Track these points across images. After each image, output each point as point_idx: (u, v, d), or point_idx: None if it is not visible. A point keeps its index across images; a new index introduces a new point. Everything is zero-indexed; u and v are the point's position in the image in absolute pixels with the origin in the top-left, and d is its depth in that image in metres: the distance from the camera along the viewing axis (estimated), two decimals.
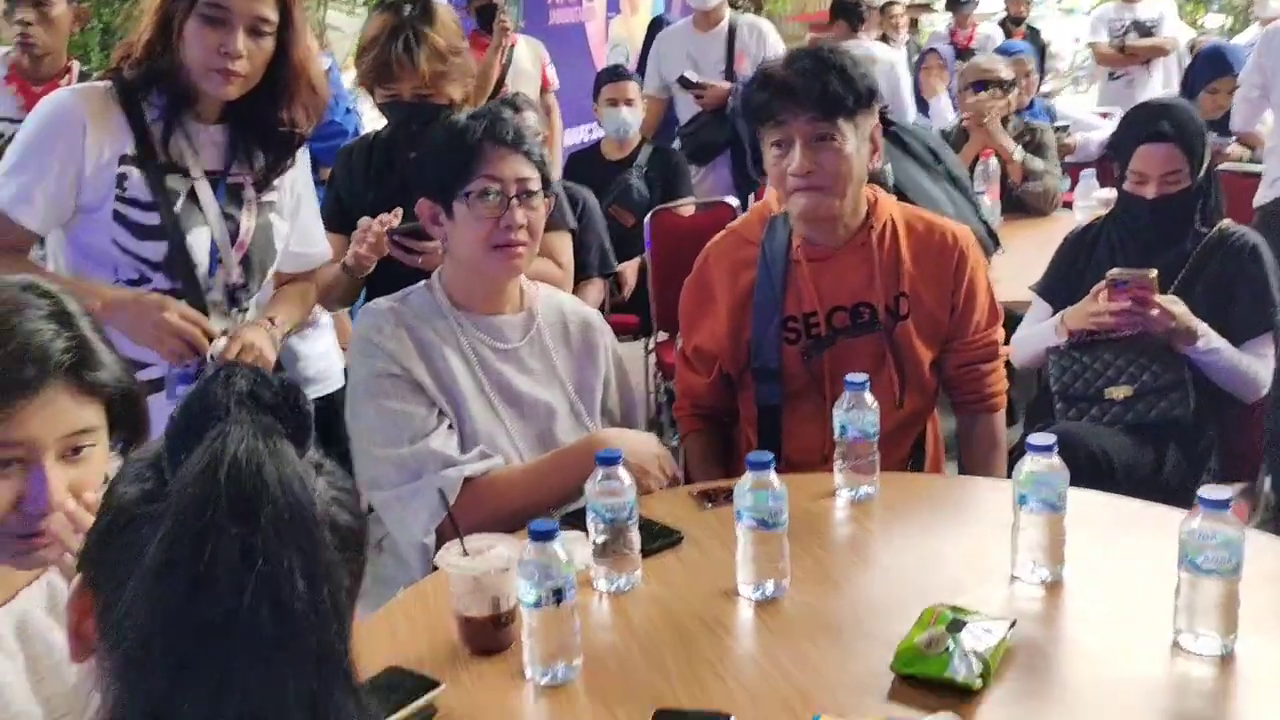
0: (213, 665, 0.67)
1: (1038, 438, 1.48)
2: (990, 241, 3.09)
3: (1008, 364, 2.49)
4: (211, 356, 1.89)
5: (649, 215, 3.95)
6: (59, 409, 1.07)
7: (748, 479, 1.48)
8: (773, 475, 1.48)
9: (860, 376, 1.77)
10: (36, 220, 1.87)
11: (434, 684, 1.30)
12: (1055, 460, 1.46)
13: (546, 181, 1.93)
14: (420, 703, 1.27)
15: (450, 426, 1.85)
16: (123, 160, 1.87)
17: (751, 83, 2.07)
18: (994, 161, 3.69)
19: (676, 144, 4.64)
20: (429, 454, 1.79)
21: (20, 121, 2.10)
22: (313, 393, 2.69)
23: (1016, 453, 2.14)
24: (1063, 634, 1.40)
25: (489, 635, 1.40)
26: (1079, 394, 2.38)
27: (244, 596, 0.67)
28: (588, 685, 1.33)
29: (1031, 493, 1.47)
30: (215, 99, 1.91)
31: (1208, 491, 1.28)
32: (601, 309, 3.69)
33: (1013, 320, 2.70)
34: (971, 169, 3.77)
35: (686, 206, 4.11)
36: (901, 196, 2.85)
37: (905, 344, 2.08)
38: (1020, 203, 3.89)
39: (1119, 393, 2.34)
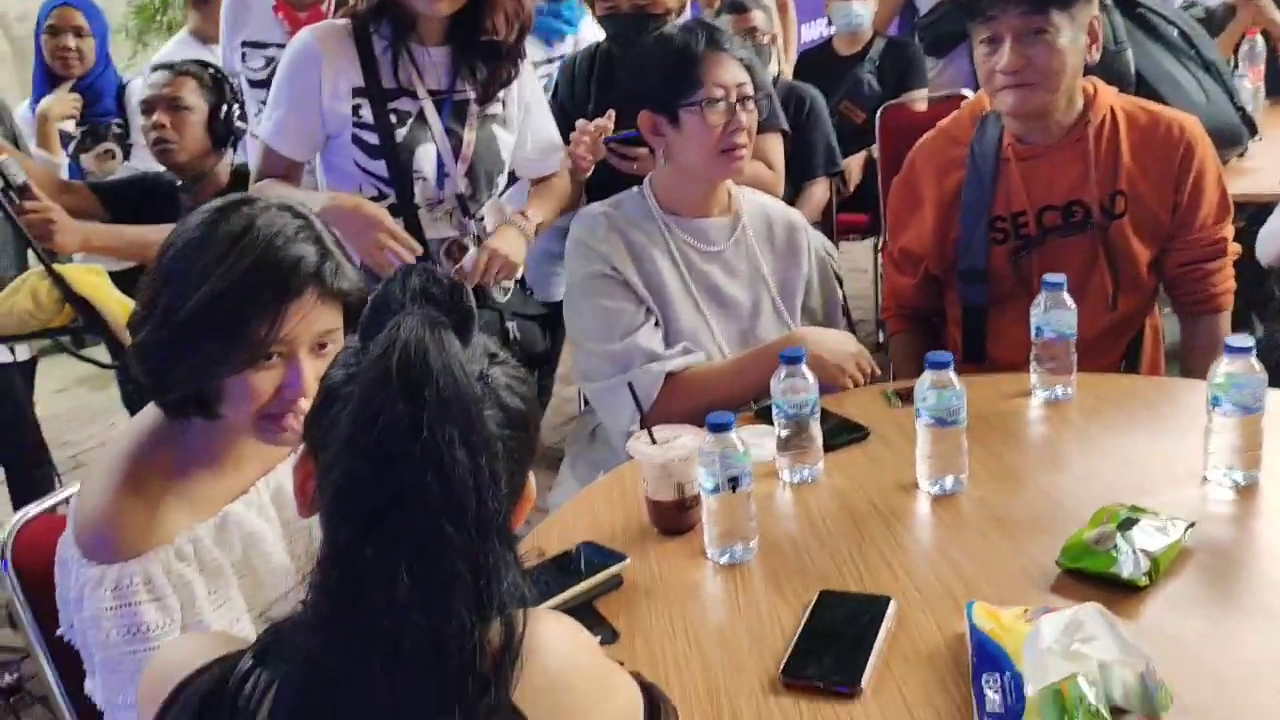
0: (388, 519, 0.80)
1: (1236, 338, 1.43)
2: (1245, 130, 2.87)
3: (1254, 263, 2.35)
4: (462, 267, 2.13)
5: (879, 111, 3.88)
6: (314, 312, 1.25)
7: (926, 377, 1.51)
8: (952, 374, 1.50)
9: (1058, 276, 1.73)
10: (293, 149, 2.12)
11: (622, 557, 1.43)
12: (1253, 362, 1.41)
13: (757, 84, 1.98)
14: (609, 572, 1.40)
15: (657, 324, 1.97)
16: (356, 91, 2.07)
17: None
18: (1260, 40, 3.37)
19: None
20: (637, 349, 1.91)
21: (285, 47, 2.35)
22: None
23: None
24: (1247, 538, 1.37)
25: (674, 517, 1.52)
26: None
27: (411, 462, 0.79)
28: (762, 565, 1.42)
29: (1225, 395, 1.42)
30: (431, 19, 2.06)
31: None
32: (828, 208, 3.71)
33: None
34: (1238, 48, 3.48)
35: (920, 101, 4.00)
36: (1142, 83, 2.70)
37: (1120, 243, 2.01)
38: None
39: None
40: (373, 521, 0.80)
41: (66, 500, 1.43)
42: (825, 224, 3.82)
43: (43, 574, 1.32)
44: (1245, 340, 1.42)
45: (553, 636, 0.90)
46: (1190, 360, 2.07)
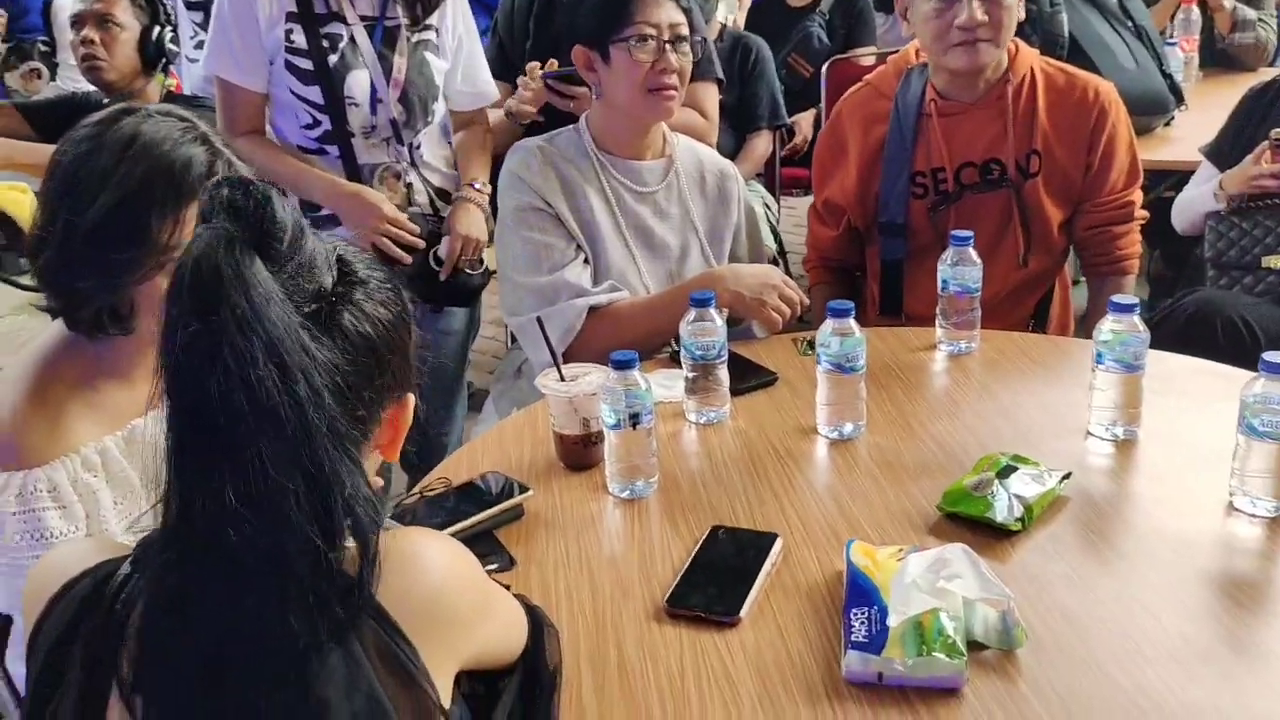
0: (202, 437, 0.79)
1: (1121, 297, 1.49)
2: (1172, 98, 2.93)
3: (1169, 231, 2.42)
4: (437, 256, 2.21)
5: (826, 65, 3.89)
6: None
7: (828, 325, 1.55)
8: (852, 323, 1.54)
9: (965, 232, 1.78)
10: (246, 77, 2.12)
11: (525, 489, 1.47)
12: (1136, 321, 1.47)
13: (694, 27, 1.99)
14: (510, 502, 1.44)
15: (586, 260, 1.99)
16: (289, 16, 2.06)
17: None
18: (1195, 10, 3.43)
19: None
20: (563, 284, 1.93)
21: None
22: None
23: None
24: (1121, 489, 1.43)
25: (579, 452, 1.56)
26: (1233, 262, 2.29)
27: (213, 379, 0.77)
28: (660, 501, 1.47)
29: (1109, 352, 1.48)
30: None
31: (1272, 355, 1.27)
32: (770, 161, 3.73)
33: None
34: (1174, 16, 3.54)
35: (866, 56, 4.02)
36: (1074, 45, 2.75)
37: (1034, 202, 2.06)
38: (1226, 56, 3.61)
39: (1276, 262, 2.23)
40: (187, 435, 0.80)
41: None
42: (768, 177, 3.84)
43: None
44: (1129, 299, 1.48)
45: (432, 553, 0.92)
46: (1093, 320, 2.12)
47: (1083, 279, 2.30)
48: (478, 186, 2.29)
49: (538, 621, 1.10)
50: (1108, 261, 2.12)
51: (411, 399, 0.96)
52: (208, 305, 0.78)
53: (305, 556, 0.80)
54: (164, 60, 2.64)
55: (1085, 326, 2.15)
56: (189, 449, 0.80)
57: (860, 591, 1.18)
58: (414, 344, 0.96)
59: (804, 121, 4.05)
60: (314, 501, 0.80)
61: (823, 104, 3.89)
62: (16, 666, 1.39)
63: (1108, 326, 1.48)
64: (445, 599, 0.92)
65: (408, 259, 2.15)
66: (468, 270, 2.27)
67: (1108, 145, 2.05)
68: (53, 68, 3.22)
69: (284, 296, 0.81)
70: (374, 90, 2.13)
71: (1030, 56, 2.08)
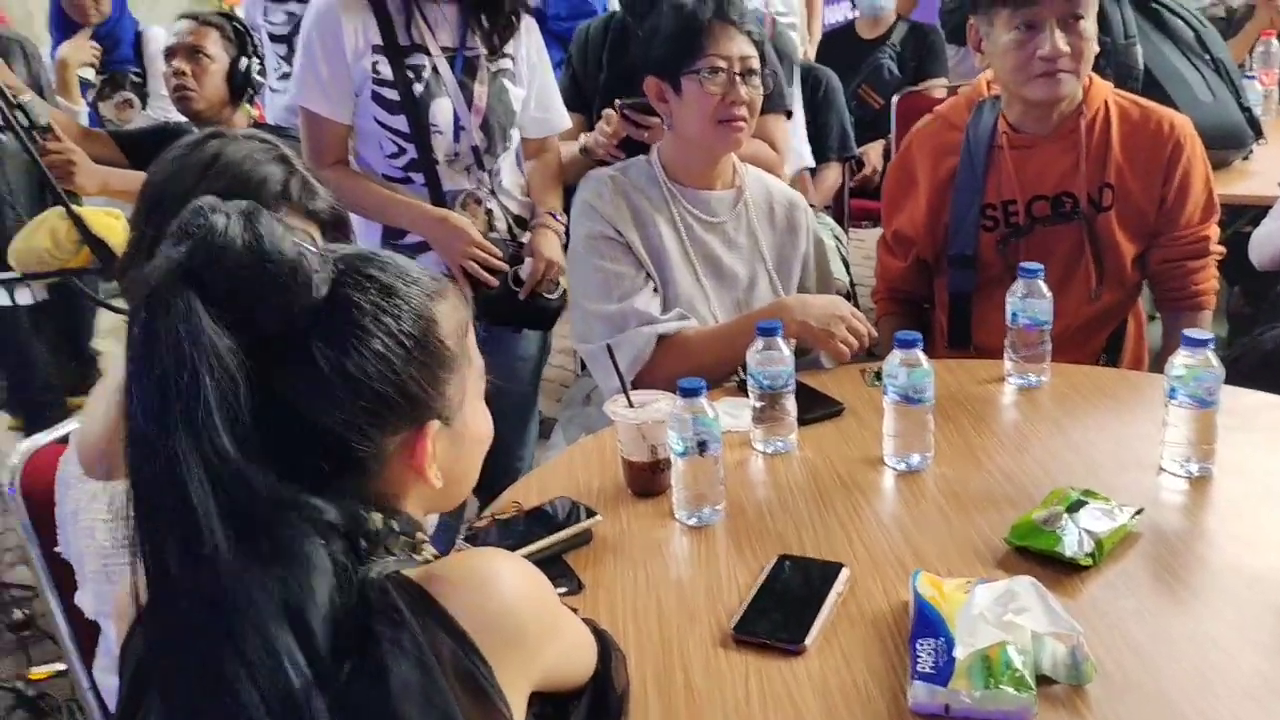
0: (134, 449, 0.83)
1: (1194, 332, 1.47)
2: (1250, 132, 2.89)
3: (1248, 267, 2.38)
4: (518, 277, 2.25)
5: (896, 97, 3.90)
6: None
7: (895, 356, 1.56)
8: (920, 354, 1.55)
9: (1035, 265, 1.77)
10: (334, 109, 2.18)
11: (593, 514, 1.49)
12: (1209, 356, 1.46)
13: (764, 60, 2.02)
14: (579, 527, 1.47)
15: (655, 289, 2.02)
16: (375, 49, 2.13)
17: None
18: (1275, 43, 3.38)
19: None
20: (633, 312, 1.96)
21: None
22: None
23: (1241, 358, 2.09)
24: (1194, 526, 1.41)
25: (647, 478, 1.58)
26: None
27: (139, 392, 0.81)
28: (726, 528, 1.48)
29: (1182, 387, 1.47)
30: None
31: None
32: (839, 193, 3.74)
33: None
34: (1253, 49, 3.49)
35: (937, 88, 4.02)
36: (1149, 78, 2.73)
37: (1106, 235, 2.05)
38: None
39: None
40: (129, 445, 0.83)
41: None
42: (837, 209, 3.85)
43: (51, 501, 1.39)
44: (1203, 334, 1.47)
45: (506, 573, 0.94)
46: (1168, 356, 2.10)
47: (1158, 314, 2.27)
48: (557, 216, 2.34)
49: (605, 645, 1.11)
50: (1182, 297, 2.09)
51: (435, 425, 0.95)
52: (138, 325, 0.82)
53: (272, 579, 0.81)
54: (251, 91, 2.74)
55: (1160, 362, 2.13)
56: (128, 458, 0.84)
57: (927, 622, 1.18)
58: (432, 373, 0.95)
59: (873, 153, 4.06)
60: (234, 523, 0.81)
61: (892, 135, 3.90)
62: (104, 678, 1.44)
63: (1180, 361, 1.47)
64: (518, 618, 0.94)
65: (494, 282, 2.20)
66: (545, 294, 2.31)
67: (1182, 179, 2.03)
68: (144, 98, 3.35)
69: (209, 319, 0.82)
70: (457, 118, 2.20)
71: (1104, 89, 2.07)
